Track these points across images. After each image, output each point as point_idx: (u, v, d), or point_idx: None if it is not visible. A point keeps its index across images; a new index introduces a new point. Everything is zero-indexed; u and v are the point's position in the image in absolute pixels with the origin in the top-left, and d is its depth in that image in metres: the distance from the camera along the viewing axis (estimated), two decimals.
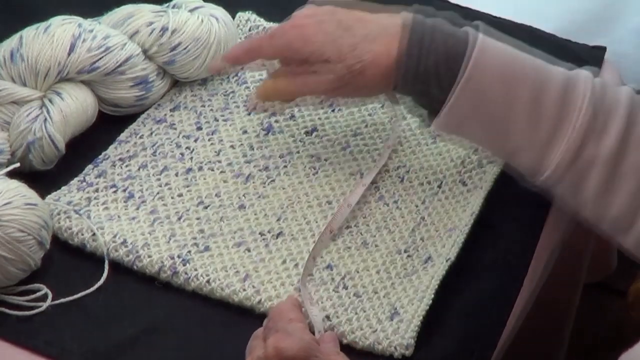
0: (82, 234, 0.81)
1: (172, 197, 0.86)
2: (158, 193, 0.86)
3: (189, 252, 0.80)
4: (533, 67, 0.80)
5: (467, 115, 0.80)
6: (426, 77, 0.79)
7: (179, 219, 0.84)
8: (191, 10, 0.95)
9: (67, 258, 0.81)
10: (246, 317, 0.77)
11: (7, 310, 0.76)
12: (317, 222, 0.84)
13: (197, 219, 0.84)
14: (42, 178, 0.86)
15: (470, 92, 0.78)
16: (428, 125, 0.83)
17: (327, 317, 0.76)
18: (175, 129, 0.93)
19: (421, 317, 0.76)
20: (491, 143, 0.83)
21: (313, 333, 0.74)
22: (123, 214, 0.84)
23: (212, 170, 0.89)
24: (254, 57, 0.87)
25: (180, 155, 0.90)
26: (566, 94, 0.78)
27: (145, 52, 0.93)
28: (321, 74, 0.82)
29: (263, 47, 0.86)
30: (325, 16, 0.83)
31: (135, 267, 0.80)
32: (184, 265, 0.79)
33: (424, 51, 0.79)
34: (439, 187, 0.88)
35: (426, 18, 0.81)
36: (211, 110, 0.96)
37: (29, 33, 0.88)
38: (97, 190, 0.86)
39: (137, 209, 0.84)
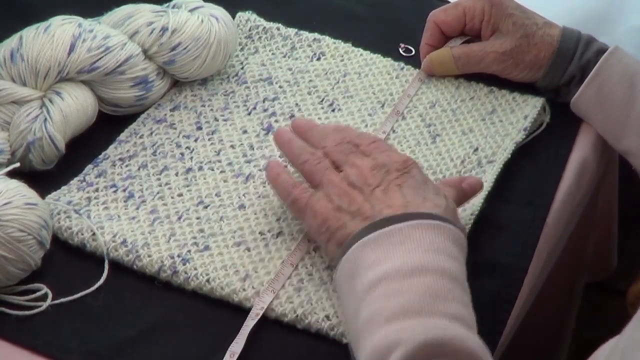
0: (82, 234, 0.81)
1: (172, 197, 0.86)
2: (158, 193, 0.86)
3: (189, 251, 0.80)
4: None
5: (591, 108, 0.95)
6: (571, 73, 0.96)
7: (179, 218, 0.84)
8: (191, 10, 0.95)
9: (67, 258, 0.81)
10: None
11: (7, 310, 0.76)
12: None
13: (197, 218, 0.84)
14: (42, 178, 0.86)
15: (595, 88, 0.93)
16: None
17: (327, 317, 0.76)
18: (175, 128, 0.93)
19: None
20: (608, 139, 0.96)
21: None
22: (123, 214, 0.84)
23: (212, 170, 0.89)
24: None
25: (180, 155, 0.90)
26: None
27: (145, 52, 0.93)
28: (497, 39, 0.98)
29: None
30: None
31: (135, 266, 0.80)
32: (184, 264, 0.79)
33: (577, 47, 0.96)
34: None
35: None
36: (211, 110, 0.96)
37: (29, 33, 0.88)
38: (97, 190, 0.86)
39: (137, 208, 0.84)
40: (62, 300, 0.77)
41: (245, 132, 0.93)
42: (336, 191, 0.76)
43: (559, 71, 0.96)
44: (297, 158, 0.82)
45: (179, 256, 0.80)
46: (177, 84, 0.98)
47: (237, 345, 0.74)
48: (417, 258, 0.69)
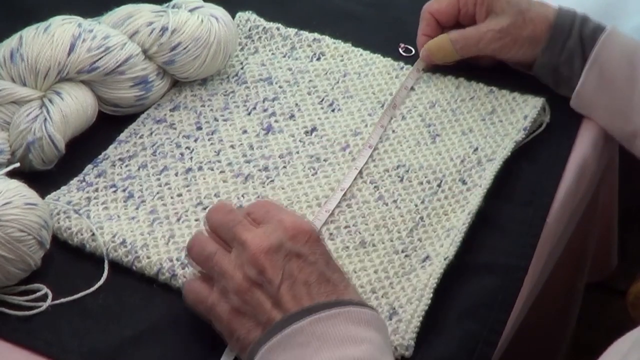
0: (82, 234, 0.81)
1: (171, 197, 0.86)
2: (158, 193, 0.86)
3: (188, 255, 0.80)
4: None
5: (595, 95, 0.94)
6: (570, 49, 0.95)
7: (178, 219, 0.84)
8: (191, 10, 0.95)
9: (67, 258, 0.81)
10: None
11: (7, 310, 0.76)
12: (316, 222, 0.84)
13: (196, 220, 0.84)
14: (42, 178, 0.86)
15: (596, 72, 0.93)
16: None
17: None
18: (175, 128, 0.93)
19: (420, 318, 0.76)
20: (613, 124, 0.95)
21: None
22: (122, 214, 0.84)
23: (212, 170, 0.89)
24: None
25: (180, 155, 0.90)
26: None
27: (145, 52, 0.93)
28: (493, 19, 0.97)
29: None
30: None
31: (134, 267, 0.80)
32: (183, 268, 0.79)
33: (575, 22, 0.96)
34: (439, 186, 0.88)
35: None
36: (211, 110, 0.96)
37: (29, 33, 0.88)
38: (96, 190, 0.86)
39: (137, 208, 0.84)
40: (62, 300, 0.77)
41: (245, 132, 0.93)
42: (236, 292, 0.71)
43: (558, 45, 0.95)
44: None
45: (177, 259, 0.80)
46: (177, 84, 0.98)
47: None
48: (326, 358, 0.65)
